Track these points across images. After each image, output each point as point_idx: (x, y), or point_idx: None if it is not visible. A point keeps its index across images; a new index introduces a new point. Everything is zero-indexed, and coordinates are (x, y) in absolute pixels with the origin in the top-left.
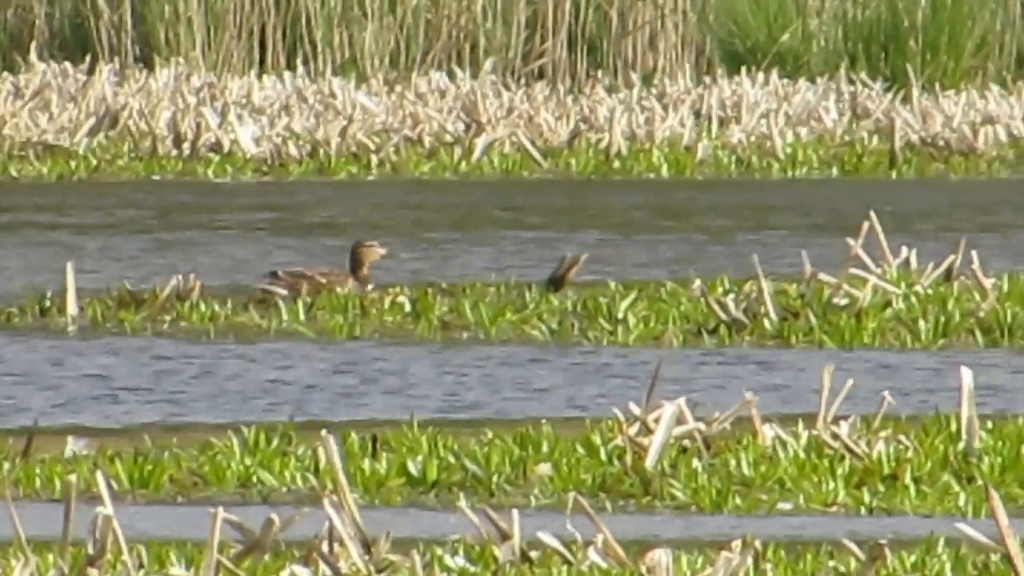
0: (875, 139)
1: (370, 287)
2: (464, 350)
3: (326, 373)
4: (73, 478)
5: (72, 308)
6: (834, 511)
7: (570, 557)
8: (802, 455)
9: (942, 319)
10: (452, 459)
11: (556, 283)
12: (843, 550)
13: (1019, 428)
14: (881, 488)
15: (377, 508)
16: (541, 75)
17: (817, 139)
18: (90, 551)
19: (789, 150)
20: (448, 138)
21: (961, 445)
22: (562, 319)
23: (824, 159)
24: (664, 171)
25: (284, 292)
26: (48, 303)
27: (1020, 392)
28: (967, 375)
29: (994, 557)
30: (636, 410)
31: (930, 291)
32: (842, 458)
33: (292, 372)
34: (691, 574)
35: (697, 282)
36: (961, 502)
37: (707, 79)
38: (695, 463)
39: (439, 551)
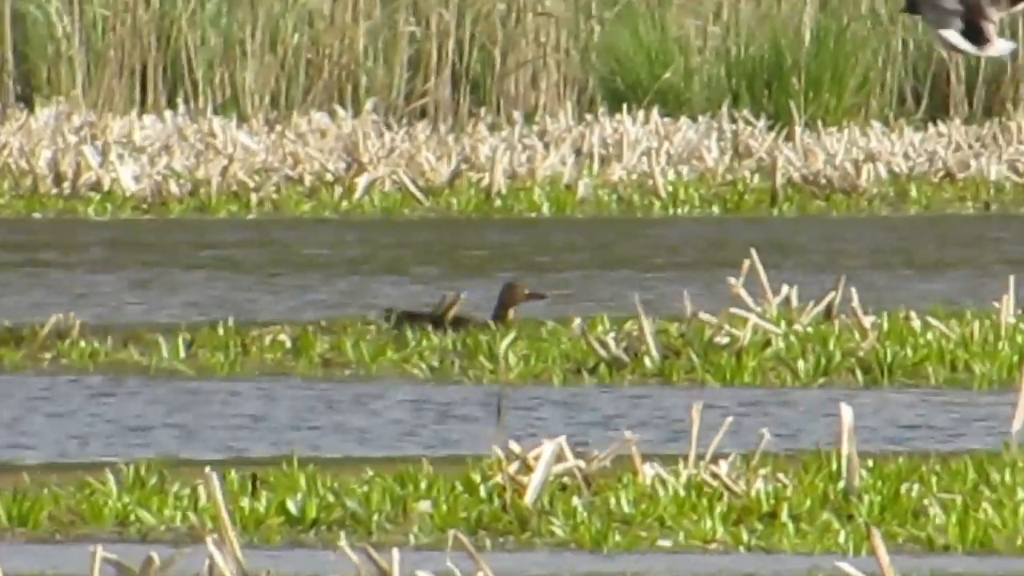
0: (756, 177)
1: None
2: (345, 388)
3: (205, 411)
4: None
5: None
6: (713, 548)
7: None
8: (682, 493)
9: (822, 358)
10: (332, 497)
11: (436, 322)
12: None
13: (899, 467)
14: (760, 526)
15: (257, 547)
16: (423, 114)
17: (699, 177)
18: None
19: (670, 188)
20: (329, 177)
21: (841, 483)
22: (443, 358)
23: (705, 197)
24: (545, 210)
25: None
26: None
27: (899, 431)
28: (847, 413)
29: None
30: (516, 448)
31: (810, 329)
32: (721, 496)
33: (171, 410)
34: None
35: (577, 320)
36: (841, 540)
37: (588, 117)
38: (575, 501)
39: None
